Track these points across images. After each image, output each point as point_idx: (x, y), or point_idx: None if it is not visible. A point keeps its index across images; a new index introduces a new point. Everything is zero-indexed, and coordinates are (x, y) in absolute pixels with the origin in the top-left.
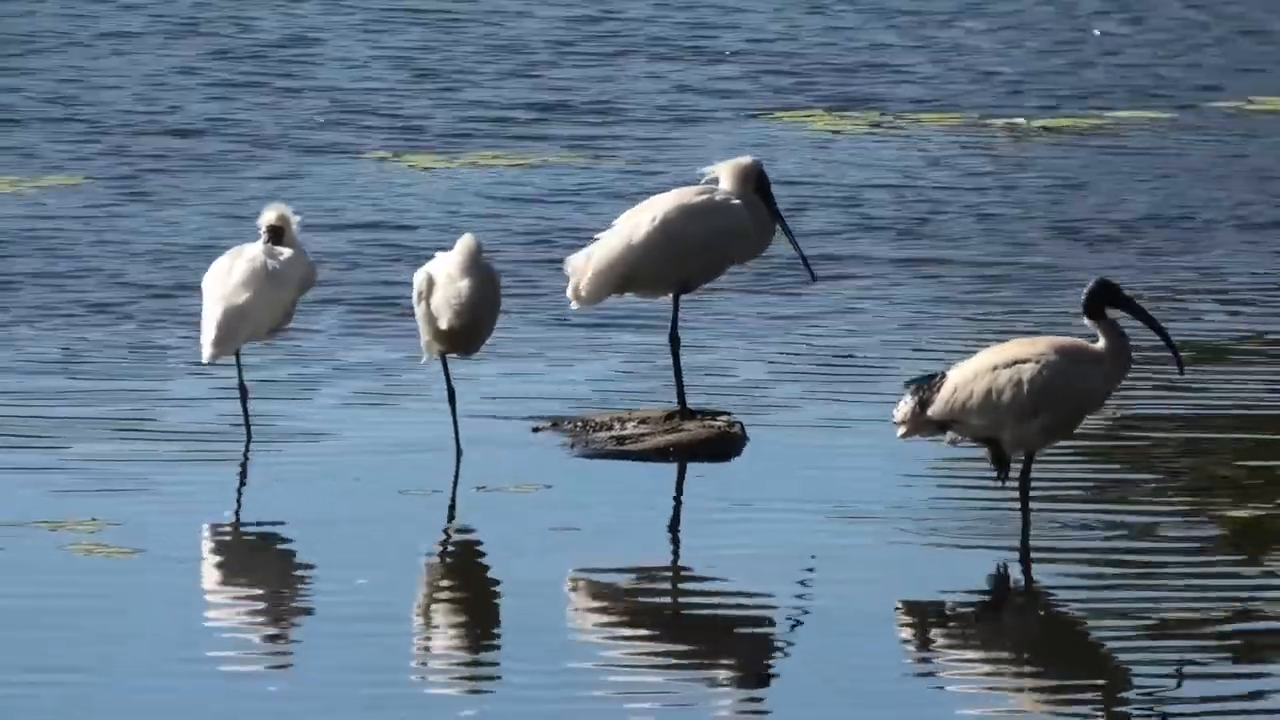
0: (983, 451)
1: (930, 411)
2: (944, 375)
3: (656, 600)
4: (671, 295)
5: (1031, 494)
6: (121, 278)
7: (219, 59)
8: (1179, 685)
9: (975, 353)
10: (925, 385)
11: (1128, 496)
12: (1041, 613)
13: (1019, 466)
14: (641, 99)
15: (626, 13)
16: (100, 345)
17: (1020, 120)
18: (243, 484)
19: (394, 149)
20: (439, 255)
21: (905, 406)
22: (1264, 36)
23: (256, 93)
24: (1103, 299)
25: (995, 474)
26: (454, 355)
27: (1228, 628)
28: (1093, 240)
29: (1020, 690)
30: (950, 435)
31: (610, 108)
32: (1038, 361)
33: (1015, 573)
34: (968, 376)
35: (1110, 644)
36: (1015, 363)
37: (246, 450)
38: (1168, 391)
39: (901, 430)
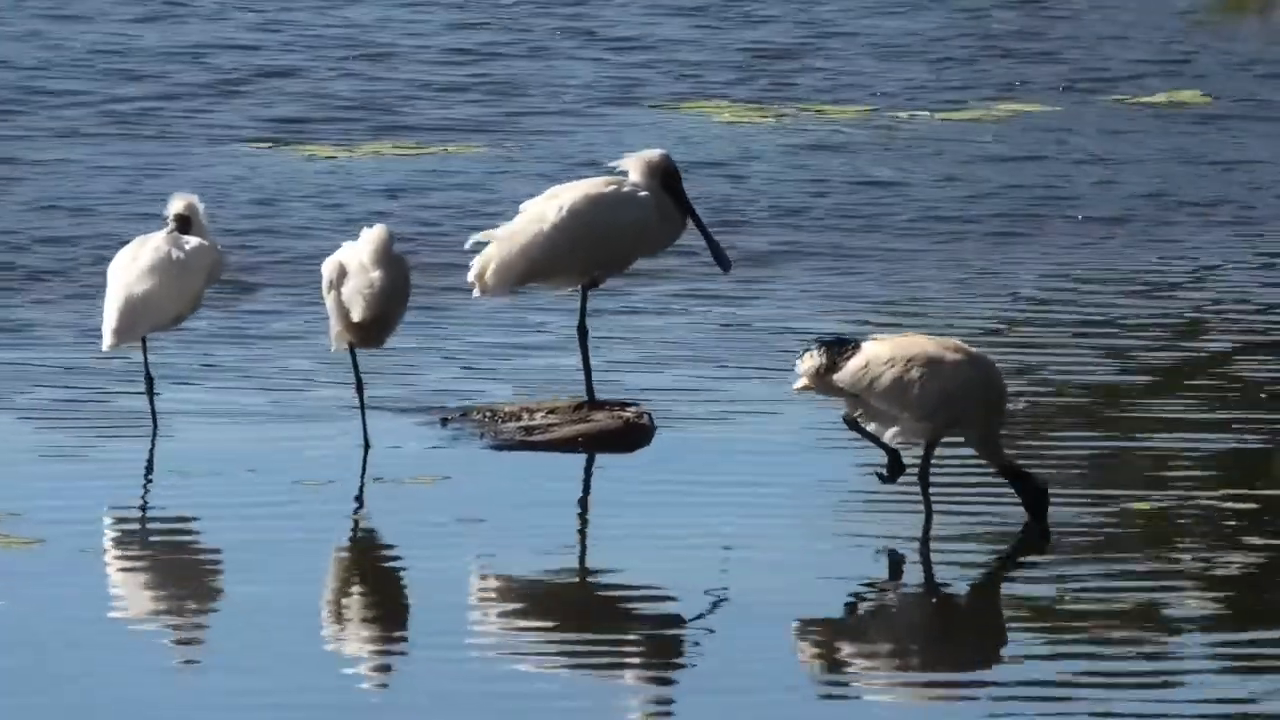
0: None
1: (837, 377)
2: (857, 345)
3: (564, 592)
4: (579, 286)
5: (932, 484)
6: (14, 262)
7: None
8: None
9: (890, 334)
10: (836, 348)
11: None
12: (940, 603)
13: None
14: (545, 88)
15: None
16: None
17: (924, 113)
18: (148, 474)
19: (290, 137)
20: (345, 245)
21: (811, 361)
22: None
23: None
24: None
25: (885, 474)
26: (363, 349)
27: (1130, 619)
28: (998, 232)
29: (921, 683)
30: (849, 409)
31: (514, 97)
32: (949, 362)
33: (917, 562)
34: (881, 357)
35: (1015, 634)
36: (929, 360)
37: (153, 440)
38: (1073, 387)
39: (800, 384)
